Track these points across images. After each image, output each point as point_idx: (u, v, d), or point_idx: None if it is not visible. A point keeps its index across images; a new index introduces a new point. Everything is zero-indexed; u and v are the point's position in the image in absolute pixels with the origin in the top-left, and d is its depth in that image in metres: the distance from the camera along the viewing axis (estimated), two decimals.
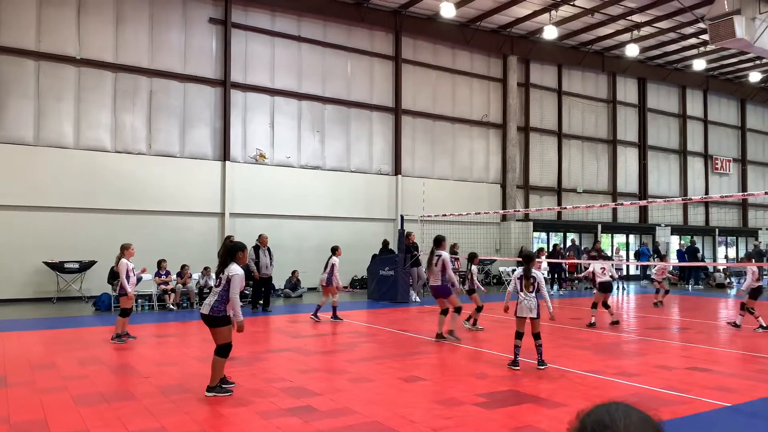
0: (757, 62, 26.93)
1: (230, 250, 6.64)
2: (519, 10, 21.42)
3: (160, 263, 14.99)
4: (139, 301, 14.61)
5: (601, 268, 12.30)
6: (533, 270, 8.11)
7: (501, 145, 24.33)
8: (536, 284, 7.98)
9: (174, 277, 15.23)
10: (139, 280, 13.15)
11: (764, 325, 11.54)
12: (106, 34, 16.80)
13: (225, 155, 18.23)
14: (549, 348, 8.55)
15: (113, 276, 14.88)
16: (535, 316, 7.95)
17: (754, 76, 28.46)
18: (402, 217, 18.20)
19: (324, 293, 12.65)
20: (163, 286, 14.81)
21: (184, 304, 15.16)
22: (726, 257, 30.58)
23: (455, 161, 23.23)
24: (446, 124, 22.99)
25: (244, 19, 18.85)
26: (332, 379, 7.48)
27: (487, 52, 23.83)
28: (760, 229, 30.87)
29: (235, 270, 6.50)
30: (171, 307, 14.66)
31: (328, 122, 20.37)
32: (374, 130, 21.30)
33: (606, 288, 12.23)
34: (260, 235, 14.36)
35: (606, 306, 12.17)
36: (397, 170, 21.57)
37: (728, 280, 23.26)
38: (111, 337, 9.72)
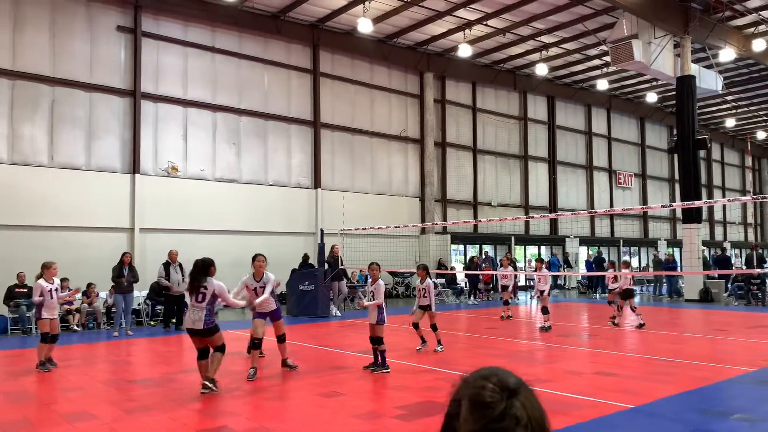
0: (654, 83, 28.93)
1: (202, 268, 7.28)
2: (434, 28, 21.95)
3: (62, 282, 14.05)
4: None
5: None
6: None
7: (419, 159, 24.73)
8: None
9: (79, 296, 14.34)
10: (70, 302, 12.69)
11: (614, 322, 13.76)
12: (2, 39, 15.71)
13: (135, 168, 17.44)
14: (464, 357, 8.70)
15: (9, 297, 13.82)
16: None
17: (651, 97, 30.57)
18: (322, 231, 18.07)
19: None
20: (66, 306, 13.91)
21: (90, 325, 14.31)
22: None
23: (374, 175, 23.38)
24: (365, 139, 23.12)
25: (156, 28, 18.20)
26: (249, 398, 7.25)
27: (404, 68, 24.24)
28: (659, 239, 33.00)
29: (216, 282, 7.24)
30: (75, 328, 13.79)
31: (245, 135, 19.97)
32: (292, 143, 21.09)
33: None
34: (170, 251, 13.80)
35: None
36: (316, 184, 21.42)
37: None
38: (36, 365, 8.93)
